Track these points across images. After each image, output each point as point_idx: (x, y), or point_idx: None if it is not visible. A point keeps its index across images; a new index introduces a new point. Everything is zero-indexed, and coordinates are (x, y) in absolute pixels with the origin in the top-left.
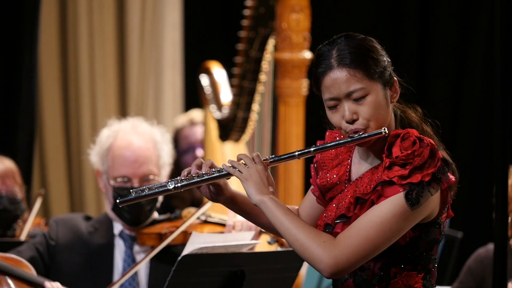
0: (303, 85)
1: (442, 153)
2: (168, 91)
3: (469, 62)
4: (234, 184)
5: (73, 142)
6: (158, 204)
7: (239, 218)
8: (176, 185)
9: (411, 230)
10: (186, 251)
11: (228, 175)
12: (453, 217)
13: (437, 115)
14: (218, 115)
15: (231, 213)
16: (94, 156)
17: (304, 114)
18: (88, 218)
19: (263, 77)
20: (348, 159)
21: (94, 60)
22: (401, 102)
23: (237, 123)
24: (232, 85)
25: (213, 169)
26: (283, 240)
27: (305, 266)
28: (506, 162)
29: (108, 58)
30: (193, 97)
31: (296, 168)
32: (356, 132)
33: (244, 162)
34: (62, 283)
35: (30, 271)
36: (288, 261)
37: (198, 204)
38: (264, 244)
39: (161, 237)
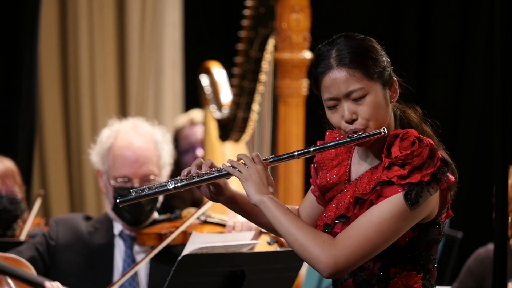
0: (303, 85)
1: (442, 153)
2: (168, 91)
3: (469, 62)
4: (234, 184)
5: (73, 142)
6: (158, 204)
7: (239, 218)
8: (176, 185)
9: (411, 230)
10: (186, 251)
11: (228, 175)
12: (453, 217)
13: (437, 115)
14: (218, 115)
15: (231, 213)
16: (94, 156)
17: (304, 114)
18: (88, 218)
19: (263, 77)
20: (348, 159)
21: (94, 60)
22: (401, 102)
23: (237, 123)
24: (232, 85)
25: (213, 169)
26: (283, 240)
27: (305, 266)
28: (506, 162)
29: (108, 58)
30: (193, 97)
31: (296, 168)
32: (355, 132)
33: (243, 162)
34: (62, 283)
35: (30, 271)
36: (288, 261)
37: (198, 204)
38: (263, 245)
39: (161, 237)
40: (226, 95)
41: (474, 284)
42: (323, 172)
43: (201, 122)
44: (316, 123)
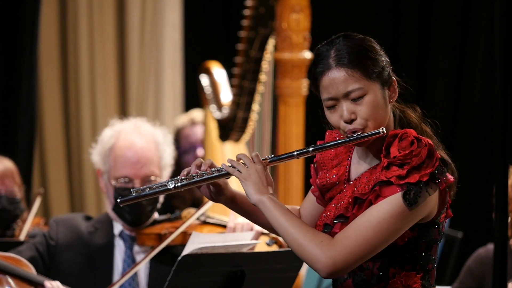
0: (303, 85)
1: (441, 153)
2: (168, 91)
3: (469, 62)
4: (234, 184)
5: (73, 142)
6: (159, 205)
7: (240, 220)
8: (176, 185)
9: (410, 230)
10: (186, 251)
11: (228, 174)
12: (453, 217)
13: (437, 115)
14: (218, 115)
15: (232, 215)
16: (95, 155)
17: (304, 114)
18: (88, 218)
19: (263, 77)
20: (348, 159)
21: (94, 60)
22: (400, 102)
23: (237, 123)
24: (232, 85)
25: (213, 169)
26: (282, 241)
27: (305, 266)
28: (506, 162)
29: (108, 58)
30: (193, 97)
31: (296, 168)
32: (354, 132)
33: (243, 162)
34: (62, 283)
35: (30, 270)
36: (288, 261)
37: (198, 204)
38: (262, 246)
39: (161, 237)
40: (226, 95)
41: (474, 284)
42: (323, 172)
43: (202, 122)
44: (316, 123)
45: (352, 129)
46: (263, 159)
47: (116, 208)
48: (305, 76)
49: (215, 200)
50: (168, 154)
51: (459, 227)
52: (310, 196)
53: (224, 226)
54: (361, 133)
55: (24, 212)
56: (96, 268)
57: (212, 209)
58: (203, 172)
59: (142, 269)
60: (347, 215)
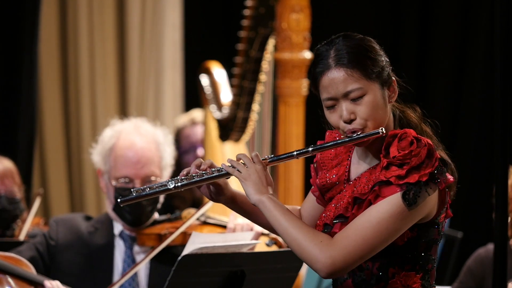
0: (303, 85)
1: (441, 153)
2: (168, 91)
3: (469, 62)
4: (234, 184)
5: (73, 142)
6: (159, 205)
7: (240, 221)
8: (176, 185)
9: (409, 230)
10: (186, 251)
11: (228, 174)
12: (453, 217)
13: (437, 115)
14: (218, 115)
15: (232, 215)
16: (96, 155)
17: (304, 114)
18: (88, 218)
19: (263, 77)
20: (348, 159)
21: (94, 60)
22: (400, 102)
23: (237, 123)
24: (232, 85)
25: (213, 169)
26: (282, 242)
27: (305, 266)
28: (506, 162)
29: (108, 58)
30: (193, 97)
31: (296, 168)
32: (353, 132)
33: (243, 162)
34: (62, 283)
35: (30, 270)
36: (288, 261)
37: (199, 204)
38: (262, 246)
39: (161, 237)
40: (226, 95)
41: (474, 284)
42: (323, 172)
43: (202, 122)
44: (316, 123)
45: (352, 129)
46: (263, 159)
47: (116, 208)
48: (305, 76)
49: (215, 200)
50: (168, 154)
51: (459, 227)
52: (311, 196)
53: (224, 227)
54: (360, 133)
55: (23, 212)
56: (96, 268)
57: (212, 209)
58: (203, 172)
59: (142, 269)
60: (346, 215)
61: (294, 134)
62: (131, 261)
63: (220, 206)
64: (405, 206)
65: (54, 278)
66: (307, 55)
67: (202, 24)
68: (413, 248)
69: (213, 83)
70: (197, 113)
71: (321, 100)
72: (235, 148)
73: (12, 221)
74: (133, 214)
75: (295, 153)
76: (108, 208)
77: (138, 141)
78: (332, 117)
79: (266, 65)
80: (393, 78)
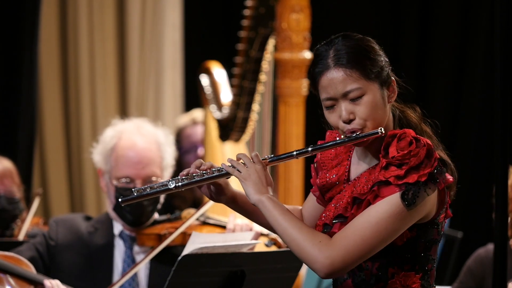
0: (303, 85)
1: (440, 153)
2: (168, 91)
3: (469, 62)
4: (234, 184)
5: (73, 142)
6: (159, 206)
7: (239, 221)
8: (177, 184)
9: (408, 231)
10: (186, 251)
11: (228, 174)
12: (453, 217)
13: (437, 115)
14: (218, 115)
15: (231, 216)
16: (97, 155)
17: (304, 114)
18: (88, 218)
19: (263, 77)
20: (348, 159)
21: (94, 60)
22: (400, 102)
23: (237, 123)
24: (232, 85)
25: (213, 169)
26: (281, 242)
27: (305, 266)
28: (506, 162)
29: (108, 58)
30: (193, 97)
31: (296, 168)
32: (353, 132)
33: (243, 162)
34: (62, 283)
35: (30, 269)
36: (288, 261)
37: (199, 204)
38: (261, 247)
39: (161, 238)
40: (226, 95)
41: (474, 284)
42: (323, 172)
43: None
44: (316, 123)
45: (351, 129)
46: (262, 159)
47: (117, 208)
48: (305, 76)
49: (216, 200)
50: (169, 155)
51: (459, 227)
52: (311, 197)
53: (224, 227)
54: (359, 133)
55: (23, 212)
56: (96, 268)
57: (211, 209)
58: (203, 172)
59: (142, 269)
60: (346, 215)
61: (294, 134)
62: (131, 261)
63: (220, 206)
64: (404, 206)
65: (54, 278)
66: (307, 55)
67: (202, 24)
68: (413, 248)
69: (213, 83)
70: (198, 113)
71: (321, 100)
72: (235, 148)
73: (12, 221)
74: (133, 214)
75: (295, 153)
76: (108, 208)
77: (140, 141)
78: (331, 117)
79: (266, 65)
80: (393, 78)
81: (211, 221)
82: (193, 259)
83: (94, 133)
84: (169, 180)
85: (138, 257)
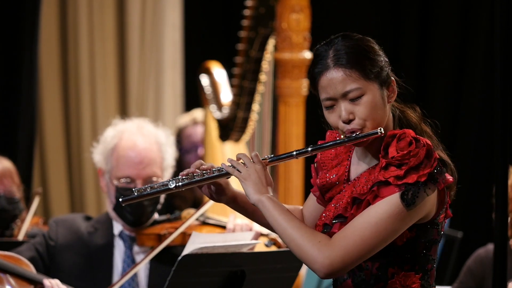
0: (303, 85)
1: (440, 154)
2: (168, 91)
3: (469, 62)
4: (234, 184)
5: (73, 142)
6: (159, 206)
7: (239, 221)
8: (177, 184)
9: (408, 231)
10: (186, 251)
11: (228, 174)
12: (453, 217)
13: (437, 115)
14: (218, 115)
15: (231, 216)
16: (97, 154)
17: (304, 114)
18: (88, 218)
19: (263, 77)
20: (348, 159)
21: (94, 60)
22: (400, 102)
23: (237, 123)
24: (232, 85)
25: (213, 169)
26: (281, 242)
27: (305, 266)
28: (506, 162)
29: (108, 58)
30: (193, 97)
31: (296, 168)
32: (352, 132)
33: (243, 162)
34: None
35: (30, 269)
36: (288, 261)
37: (199, 204)
38: (261, 247)
39: (161, 238)
40: (226, 95)
41: (474, 284)
42: (323, 172)
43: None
44: (316, 123)
45: (351, 129)
46: (262, 159)
47: (117, 207)
48: (305, 76)
49: (216, 200)
50: (170, 155)
51: (459, 227)
52: (312, 197)
53: (224, 227)
54: (359, 133)
55: (23, 212)
56: (96, 269)
57: (211, 209)
58: (203, 171)
59: (142, 270)
60: (345, 215)
61: (294, 134)
62: (130, 261)
63: (220, 206)
64: (404, 206)
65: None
66: (307, 55)
67: (202, 24)
68: (412, 248)
69: (213, 83)
70: (198, 113)
71: (320, 100)
72: (235, 148)
73: (11, 221)
74: (134, 214)
75: (294, 153)
76: (108, 208)
77: (141, 141)
78: (331, 117)
79: (266, 65)
80: (392, 78)
81: (211, 221)
82: (193, 259)
83: (94, 133)
84: (170, 180)
85: (138, 257)
